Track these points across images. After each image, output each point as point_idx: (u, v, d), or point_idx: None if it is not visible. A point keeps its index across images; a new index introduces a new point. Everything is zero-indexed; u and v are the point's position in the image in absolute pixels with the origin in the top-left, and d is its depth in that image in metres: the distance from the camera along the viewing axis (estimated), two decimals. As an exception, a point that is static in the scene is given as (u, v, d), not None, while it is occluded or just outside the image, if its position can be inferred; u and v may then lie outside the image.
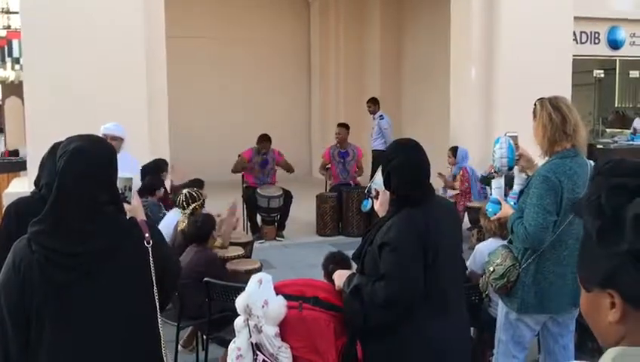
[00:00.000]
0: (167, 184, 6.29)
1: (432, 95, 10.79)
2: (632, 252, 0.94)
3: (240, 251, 4.87)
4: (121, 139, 4.94)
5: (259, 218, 7.63)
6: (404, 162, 2.48)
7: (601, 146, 9.47)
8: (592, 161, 2.88)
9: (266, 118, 11.61)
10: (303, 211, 8.74)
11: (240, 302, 2.66)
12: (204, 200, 4.69)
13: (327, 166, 8.30)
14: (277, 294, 2.64)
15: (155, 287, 1.95)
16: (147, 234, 1.97)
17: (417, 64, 11.70)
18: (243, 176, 7.86)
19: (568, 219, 2.81)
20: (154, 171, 5.76)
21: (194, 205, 4.54)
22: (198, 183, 5.79)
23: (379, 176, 2.69)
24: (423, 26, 11.41)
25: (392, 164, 2.50)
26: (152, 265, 1.95)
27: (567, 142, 2.87)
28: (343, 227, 7.71)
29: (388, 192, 2.57)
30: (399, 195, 2.47)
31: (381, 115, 9.55)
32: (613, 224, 0.97)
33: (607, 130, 11.76)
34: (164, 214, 5.15)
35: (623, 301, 0.96)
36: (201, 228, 4.12)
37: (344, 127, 8.28)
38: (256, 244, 7.20)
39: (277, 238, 7.57)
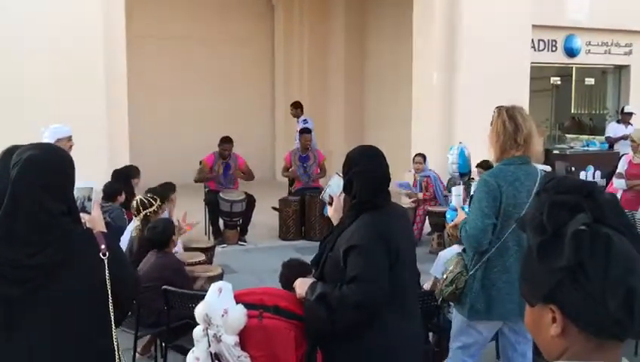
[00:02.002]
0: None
1: (395, 98, 10.90)
2: (571, 268, 0.97)
3: (201, 257, 4.81)
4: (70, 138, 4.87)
5: (221, 222, 7.56)
6: (368, 168, 2.53)
7: (557, 152, 9.72)
8: (545, 169, 2.96)
9: (230, 120, 11.52)
10: (266, 215, 8.70)
11: (199, 311, 2.63)
12: (160, 206, 4.55)
13: (290, 169, 8.30)
14: (237, 303, 2.62)
15: (110, 300, 1.91)
16: (103, 246, 1.93)
17: (381, 67, 11.80)
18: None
19: (512, 227, 2.88)
20: (124, 177, 5.64)
21: (145, 212, 4.43)
22: (168, 187, 5.50)
23: (333, 183, 2.72)
24: (386, 29, 11.52)
25: (356, 170, 2.54)
26: (107, 278, 1.91)
27: (517, 151, 2.94)
28: (305, 231, 7.71)
29: (342, 198, 2.62)
30: (360, 201, 2.50)
31: (305, 119, 9.59)
32: (554, 241, 1.00)
33: (567, 135, 12.08)
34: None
35: (563, 316, 0.99)
36: (161, 234, 4.05)
37: (309, 132, 8.30)
38: (218, 249, 7.13)
39: (239, 243, 7.52)
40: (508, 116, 3.01)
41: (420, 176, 7.76)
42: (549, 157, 9.70)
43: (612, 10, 10.45)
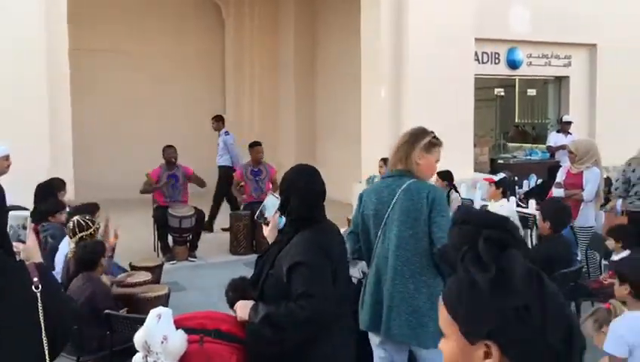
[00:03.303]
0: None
1: (346, 112, 11.01)
2: (520, 307, 0.98)
3: (147, 276, 4.74)
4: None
5: (170, 238, 7.46)
6: (305, 185, 2.59)
7: (501, 161, 10.01)
8: (425, 184, 3.01)
9: (179, 134, 11.39)
10: (217, 230, 8.66)
11: (138, 338, 2.60)
12: (96, 229, 4.39)
13: (241, 184, 8.27)
14: (177, 328, 2.60)
15: (44, 335, 1.87)
16: (36, 279, 1.88)
17: (332, 81, 11.93)
18: (153, 195, 7.67)
19: (379, 240, 3.03)
20: (49, 193, 5.41)
21: (81, 234, 4.27)
22: (91, 208, 5.17)
23: (269, 203, 2.76)
24: (335, 45, 11.66)
25: (294, 188, 2.59)
26: (40, 312, 1.87)
27: (400, 165, 3.06)
28: (256, 245, 7.67)
29: (277, 218, 2.66)
30: (299, 217, 2.54)
31: (226, 132, 9.52)
32: (502, 278, 1.00)
33: (511, 144, 12.47)
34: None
35: (500, 352, 0.99)
36: (90, 253, 3.96)
37: (259, 144, 8.30)
38: (167, 266, 7.05)
39: (189, 259, 7.43)
40: (406, 135, 3.17)
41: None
42: (493, 167, 10.01)
43: (551, 23, 10.87)
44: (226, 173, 8.97)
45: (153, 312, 2.67)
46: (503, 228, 1.09)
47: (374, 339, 3.14)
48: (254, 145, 8.30)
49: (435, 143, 3.10)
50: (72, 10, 7.78)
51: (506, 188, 6.42)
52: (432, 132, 3.16)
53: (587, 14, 11.08)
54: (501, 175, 6.63)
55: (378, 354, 3.15)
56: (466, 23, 9.04)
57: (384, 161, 7.77)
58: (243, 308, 2.57)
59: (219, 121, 9.67)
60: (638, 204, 5.52)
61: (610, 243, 5.06)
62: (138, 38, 11.80)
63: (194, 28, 12.57)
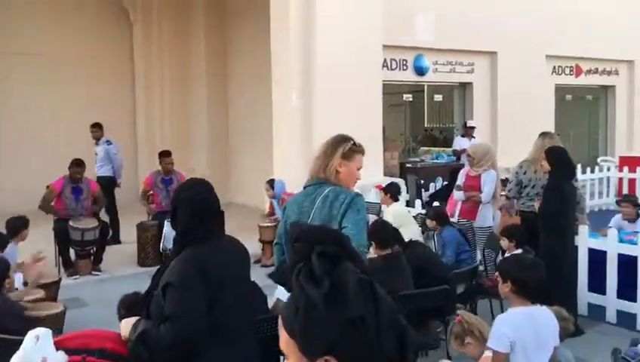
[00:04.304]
0: None
1: (259, 116, 10.96)
2: (356, 318, 0.99)
3: (40, 294, 4.51)
4: None
5: (72, 252, 7.13)
6: (193, 199, 2.52)
7: (409, 165, 10.31)
8: (343, 190, 3.01)
9: (87, 142, 10.94)
10: (124, 241, 8.38)
11: (15, 360, 2.47)
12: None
13: (150, 193, 8.05)
14: (58, 349, 2.49)
15: None
16: None
17: (244, 85, 11.86)
18: (54, 206, 7.30)
19: None
20: None
21: None
22: (20, 222, 4.99)
23: (168, 232, 2.71)
24: (247, 49, 11.60)
25: (181, 201, 2.54)
26: None
27: (321, 173, 3.06)
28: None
29: None
30: (182, 231, 2.49)
31: (108, 141, 8.95)
32: (335, 292, 1.02)
33: (421, 148, 12.87)
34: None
35: None
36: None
37: (169, 155, 8.09)
38: (69, 281, 6.75)
39: (93, 273, 7.13)
40: (326, 145, 3.15)
41: (275, 199, 7.87)
42: (402, 171, 10.30)
43: (455, 32, 11.35)
44: (107, 184, 8.52)
45: (31, 333, 2.54)
46: (335, 242, 1.11)
47: None
48: (164, 156, 8.09)
49: (355, 151, 3.08)
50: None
51: (394, 193, 6.66)
52: (352, 139, 3.13)
53: (488, 23, 11.66)
54: (389, 181, 6.87)
55: None
56: (374, 31, 9.23)
57: (270, 183, 7.84)
58: (126, 326, 2.50)
59: (100, 129, 9.02)
60: (530, 205, 5.83)
61: (504, 242, 5.32)
62: (45, 41, 11.24)
63: (102, 32, 12.12)
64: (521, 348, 2.79)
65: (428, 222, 6.11)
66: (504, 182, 6.83)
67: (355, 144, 3.11)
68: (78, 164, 7.28)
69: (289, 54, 8.80)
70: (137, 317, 2.54)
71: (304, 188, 3.12)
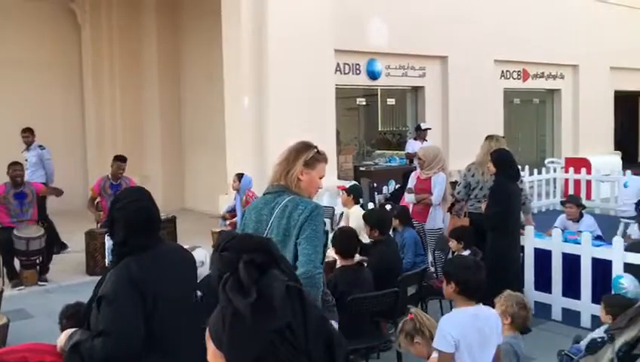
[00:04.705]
0: None
1: (213, 119, 10.86)
2: (284, 328, 0.98)
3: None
4: None
5: (17, 262, 6.90)
6: (129, 208, 2.46)
7: (363, 169, 10.40)
8: (303, 200, 2.95)
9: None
10: (73, 249, 8.17)
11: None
12: None
13: (98, 199, 7.86)
14: (-6, 364, 2.41)
15: None
16: None
17: (197, 88, 11.74)
18: (-3, 215, 7.06)
19: None
20: None
21: None
22: None
23: (109, 247, 2.64)
24: (200, 52, 11.49)
25: (117, 210, 2.48)
26: None
27: (281, 181, 3.01)
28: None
29: None
30: (118, 242, 2.44)
31: (41, 145, 8.70)
32: (262, 301, 1.00)
33: (375, 151, 13.01)
34: None
35: None
36: None
37: (123, 160, 7.92)
38: (13, 292, 6.54)
39: (39, 283, 6.92)
40: (291, 151, 3.08)
41: (240, 192, 7.74)
42: (356, 174, 10.38)
43: (407, 37, 11.52)
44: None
45: (-35, 349, 2.45)
46: (263, 250, 1.11)
47: None
48: (118, 160, 7.91)
49: (318, 159, 3.01)
50: None
51: (356, 195, 6.69)
52: (316, 147, 3.06)
53: (439, 28, 11.89)
54: (353, 182, 6.89)
55: None
56: (326, 36, 9.28)
57: (238, 176, 7.78)
58: (64, 337, 2.43)
59: (31, 134, 8.71)
60: (478, 206, 5.96)
61: (453, 243, 5.43)
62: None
63: (48, 34, 11.79)
64: (466, 347, 2.85)
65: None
66: (454, 184, 6.97)
67: (318, 152, 3.05)
68: (15, 163, 7.09)
69: (241, 59, 8.77)
70: (75, 329, 2.48)
71: (264, 194, 3.07)
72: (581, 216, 7.20)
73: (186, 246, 4.06)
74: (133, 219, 2.43)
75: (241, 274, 1.03)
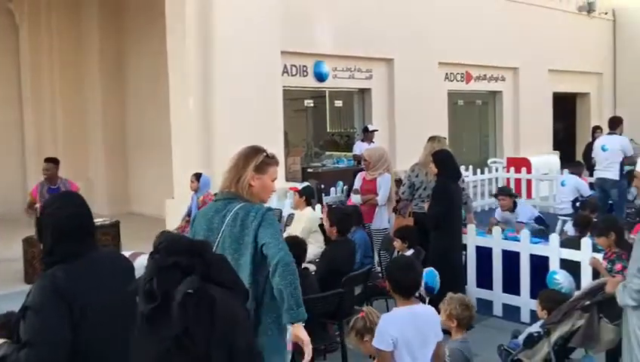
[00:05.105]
0: None
1: (156, 122, 10.67)
2: (180, 335, 0.98)
3: None
4: None
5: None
6: (56, 214, 2.37)
7: (311, 170, 10.44)
8: (253, 207, 2.92)
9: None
10: (11, 256, 7.86)
11: None
12: None
13: (36, 205, 7.59)
14: None
15: None
16: None
17: (141, 89, 11.50)
18: None
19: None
20: None
21: None
22: None
23: None
24: (145, 54, 11.25)
25: (45, 216, 2.40)
26: None
27: (232, 188, 2.99)
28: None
29: None
30: (47, 251, 2.36)
31: None
32: (163, 308, 1.00)
33: (325, 153, 13.08)
34: None
35: None
36: None
37: (52, 162, 7.67)
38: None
39: (-27, 293, 6.63)
40: (239, 156, 3.07)
41: (199, 193, 7.60)
42: (304, 176, 10.40)
43: (353, 39, 11.62)
44: None
45: None
46: (192, 253, 1.10)
47: None
48: (45, 162, 7.69)
49: (268, 163, 2.99)
50: None
51: (308, 197, 6.69)
52: (265, 151, 3.04)
53: (385, 31, 12.05)
54: (305, 184, 6.89)
55: None
56: (272, 37, 9.25)
57: (196, 176, 7.67)
58: (-6, 349, 2.34)
59: None
60: (422, 206, 6.08)
61: (397, 243, 5.51)
62: None
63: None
64: (405, 346, 2.90)
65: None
66: (398, 182, 7.07)
67: (268, 156, 3.03)
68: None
69: (186, 60, 8.64)
70: (4, 340, 2.38)
71: (214, 201, 3.04)
72: (515, 205, 7.48)
73: (128, 253, 3.98)
74: (63, 226, 2.33)
75: (154, 278, 1.03)
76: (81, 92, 11.99)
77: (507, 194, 7.62)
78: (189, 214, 7.85)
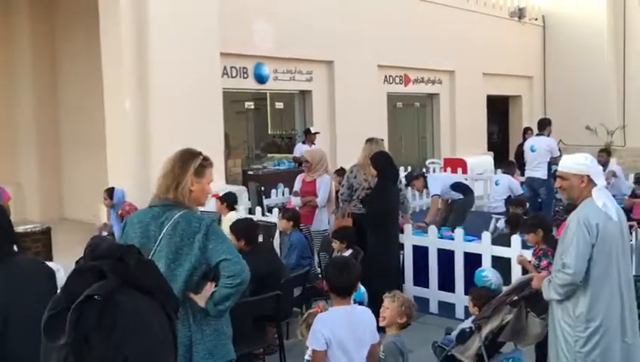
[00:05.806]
0: None
1: (92, 124, 10.34)
2: (74, 343, 0.98)
3: None
4: None
5: None
6: None
7: (251, 172, 10.40)
8: (195, 217, 2.85)
9: None
10: None
11: None
12: None
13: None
14: None
15: None
16: None
17: (76, 93, 11.11)
18: None
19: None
20: None
21: None
22: None
23: None
24: (79, 54, 10.89)
25: None
26: None
27: (170, 194, 2.89)
28: None
29: None
30: None
31: None
32: (63, 314, 0.98)
33: (266, 155, 13.04)
34: None
35: None
36: None
37: None
38: None
39: None
40: (174, 159, 2.98)
41: (114, 210, 7.48)
42: (245, 178, 10.35)
43: (294, 41, 11.66)
44: None
45: None
46: (111, 256, 1.10)
47: None
48: None
49: (205, 166, 2.94)
50: None
51: (230, 203, 6.72)
52: (200, 153, 2.98)
53: (325, 33, 12.15)
54: (227, 190, 6.94)
55: None
56: (211, 39, 9.15)
57: (108, 192, 7.50)
58: None
59: None
60: (360, 207, 6.16)
61: (336, 244, 5.57)
62: None
63: None
64: (338, 346, 2.94)
65: (283, 223, 6.11)
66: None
67: (204, 158, 2.97)
68: None
69: (121, 60, 8.44)
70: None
71: (150, 207, 2.92)
72: (425, 186, 7.91)
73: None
74: None
75: (66, 283, 1.03)
76: (11, 94, 11.47)
77: (414, 177, 8.00)
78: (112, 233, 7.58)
